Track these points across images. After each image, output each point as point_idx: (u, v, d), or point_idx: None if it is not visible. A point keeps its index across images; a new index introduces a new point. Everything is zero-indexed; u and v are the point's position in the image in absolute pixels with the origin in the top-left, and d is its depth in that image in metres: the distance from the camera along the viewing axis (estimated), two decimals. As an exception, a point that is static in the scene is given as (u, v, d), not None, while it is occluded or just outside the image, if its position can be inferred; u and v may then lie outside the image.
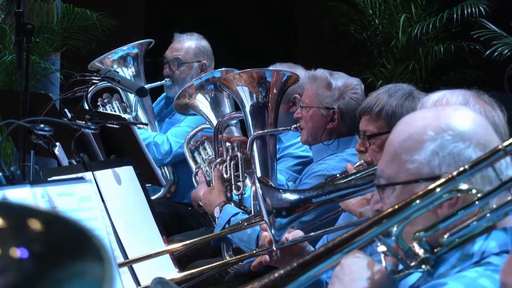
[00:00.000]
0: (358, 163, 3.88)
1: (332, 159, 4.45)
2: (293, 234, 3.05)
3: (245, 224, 3.48)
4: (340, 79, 4.48)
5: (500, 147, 2.04)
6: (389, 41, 8.42)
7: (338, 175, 3.89)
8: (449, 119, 2.14)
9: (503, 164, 2.11)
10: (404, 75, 8.32)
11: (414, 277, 2.15)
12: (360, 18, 8.58)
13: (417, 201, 2.04)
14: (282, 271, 2.04)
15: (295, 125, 4.56)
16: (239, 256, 3.45)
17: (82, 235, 1.18)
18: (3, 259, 1.14)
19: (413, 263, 2.05)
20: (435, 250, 2.07)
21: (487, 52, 7.64)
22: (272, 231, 2.90)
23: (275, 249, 2.96)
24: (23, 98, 4.70)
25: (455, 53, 8.37)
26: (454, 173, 2.03)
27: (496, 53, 7.55)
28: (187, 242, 3.37)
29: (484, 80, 8.19)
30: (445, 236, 2.06)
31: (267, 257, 3.01)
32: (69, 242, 1.17)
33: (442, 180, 2.04)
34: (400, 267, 2.06)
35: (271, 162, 4.54)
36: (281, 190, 3.03)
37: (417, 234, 2.06)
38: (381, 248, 2.05)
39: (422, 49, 8.34)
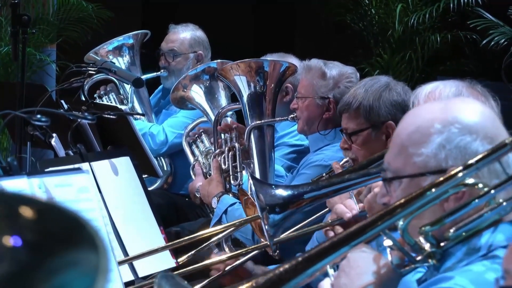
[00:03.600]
0: (343, 160, 3.85)
1: (329, 150, 4.45)
2: None
3: (242, 222, 3.46)
4: (334, 68, 4.46)
5: (507, 141, 2.02)
6: (385, 31, 8.40)
7: (324, 174, 3.85)
8: (456, 111, 2.11)
9: (510, 158, 2.09)
10: (400, 65, 8.32)
11: (421, 271, 2.14)
12: (356, 8, 8.57)
13: (423, 196, 2.02)
14: (287, 266, 2.02)
15: (292, 115, 4.56)
16: (235, 253, 3.44)
17: (76, 223, 1.16)
18: (-3, 247, 1.12)
19: (419, 257, 2.04)
20: (441, 244, 2.05)
21: (484, 42, 7.63)
22: (266, 227, 2.90)
23: (269, 244, 2.95)
24: (19, 90, 4.69)
25: (452, 43, 8.36)
26: (460, 167, 2.02)
27: (492, 43, 7.54)
28: (196, 234, 3.34)
29: (480, 69, 8.19)
30: (451, 230, 2.05)
31: None
32: (63, 231, 1.16)
33: (448, 174, 2.03)
34: (406, 261, 2.05)
35: (269, 152, 4.53)
36: (273, 186, 3.02)
37: (423, 228, 2.04)
38: (387, 242, 2.04)
39: (419, 39, 8.33)
